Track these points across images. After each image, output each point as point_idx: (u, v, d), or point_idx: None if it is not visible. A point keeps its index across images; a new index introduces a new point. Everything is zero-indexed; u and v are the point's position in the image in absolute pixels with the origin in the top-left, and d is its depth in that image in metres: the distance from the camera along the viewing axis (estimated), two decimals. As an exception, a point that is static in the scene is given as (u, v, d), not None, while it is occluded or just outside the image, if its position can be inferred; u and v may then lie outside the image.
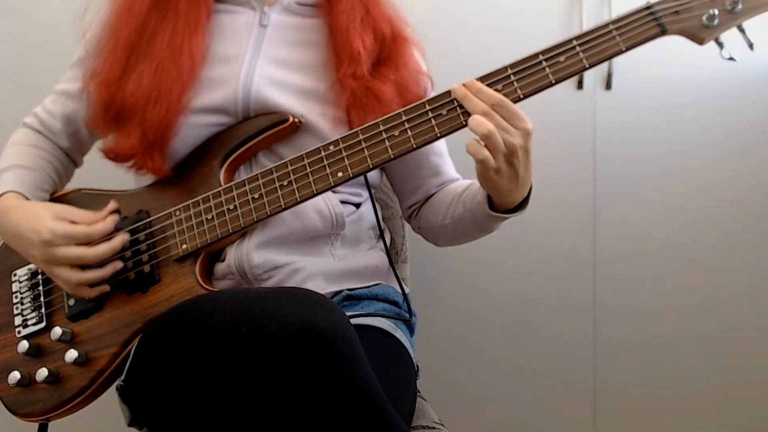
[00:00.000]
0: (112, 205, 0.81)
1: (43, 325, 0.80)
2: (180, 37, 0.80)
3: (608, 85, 1.30)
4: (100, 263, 0.78)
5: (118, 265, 0.78)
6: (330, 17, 0.87)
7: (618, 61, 1.28)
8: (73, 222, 0.78)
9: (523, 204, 0.81)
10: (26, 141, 0.92)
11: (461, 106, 0.74)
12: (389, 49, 0.87)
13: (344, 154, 0.76)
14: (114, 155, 0.82)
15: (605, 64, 1.29)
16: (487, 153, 0.71)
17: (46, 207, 0.80)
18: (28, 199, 0.84)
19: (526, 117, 0.72)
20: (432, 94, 0.90)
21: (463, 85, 0.74)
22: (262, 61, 0.85)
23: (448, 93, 0.75)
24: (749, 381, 1.37)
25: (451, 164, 0.98)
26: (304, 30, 0.89)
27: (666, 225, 1.33)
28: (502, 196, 0.78)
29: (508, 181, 0.74)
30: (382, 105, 0.82)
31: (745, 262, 1.34)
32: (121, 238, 0.78)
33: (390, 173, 0.99)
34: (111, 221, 0.79)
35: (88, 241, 0.77)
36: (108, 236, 0.79)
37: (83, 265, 0.77)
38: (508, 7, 1.28)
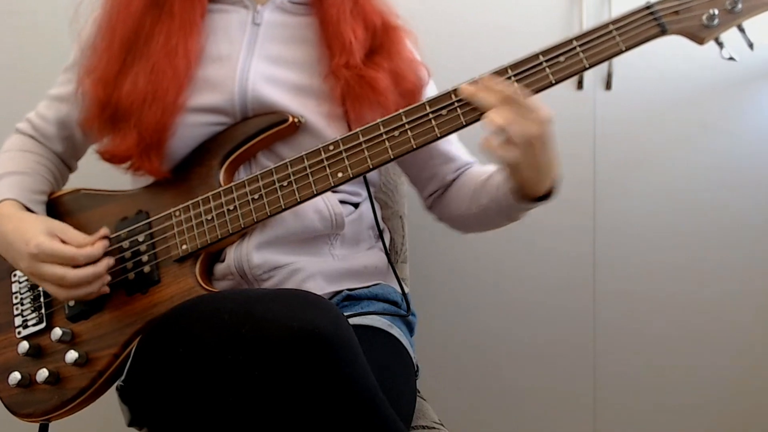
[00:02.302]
0: (103, 231, 0.80)
1: (43, 325, 0.80)
2: (175, 38, 0.80)
3: (608, 85, 1.29)
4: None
5: (106, 289, 0.78)
6: (320, 12, 0.87)
7: (618, 61, 1.28)
8: (63, 241, 0.77)
9: (549, 192, 0.80)
10: (20, 147, 0.91)
11: (462, 107, 0.74)
12: (381, 38, 0.87)
13: (344, 155, 0.76)
14: (110, 156, 0.81)
15: (605, 64, 1.28)
16: (500, 151, 0.71)
17: (41, 221, 0.79)
18: (27, 207, 0.83)
19: (540, 105, 0.72)
20: (431, 84, 0.91)
21: (472, 83, 0.74)
22: (256, 60, 0.84)
23: (449, 94, 0.75)
24: (749, 381, 1.37)
25: (463, 148, 0.97)
26: (297, 27, 0.88)
27: (666, 225, 1.33)
28: (530, 187, 0.77)
29: (529, 172, 0.74)
30: (376, 94, 0.82)
31: (746, 261, 1.34)
32: (106, 263, 0.77)
33: (404, 166, 0.99)
34: (100, 246, 0.77)
35: (73, 263, 0.75)
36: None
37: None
38: (508, 6, 1.28)
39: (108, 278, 0.78)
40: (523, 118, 0.71)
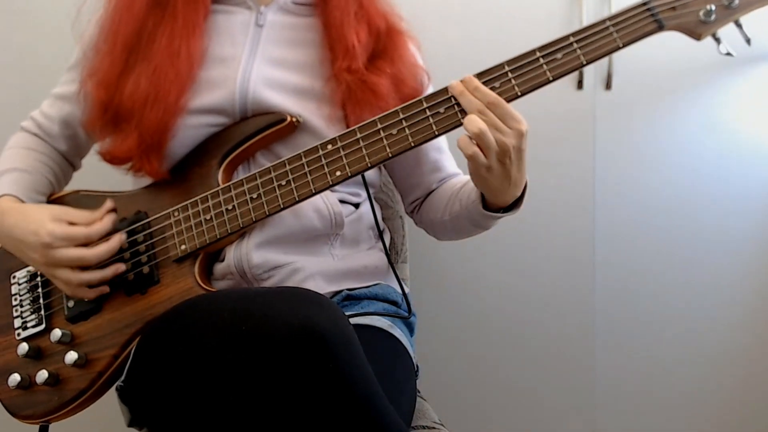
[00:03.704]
0: (108, 204, 0.81)
1: (42, 327, 0.80)
2: (178, 40, 0.80)
3: (608, 85, 1.29)
4: (101, 264, 0.77)
5: (120, 267, 0.78)
6: (324, 14, 0.87)
7: (618, 61, 1.28)
8: (71, 223, 0.78)
9: (516, 203, 0.81)
10: (24, 144, 0.92)
11: (459, 104, 0.74)
12: (384, 42, 0.87)
13: (342, 153, 0.76)
14: (111, 157, 0.81)
15: (605, 64, 1.29)
16: (476, 149, 0.71)
17: (42, 209, 0.80)
18: (23, 202, 0.84)
19: (521, 118, 0.72)
20: (430, 90, 0.91)
21: (461, 81, 0.74)
22: (258, 62, 0.85)
23: (446, 91, 0.75)
24: (750, 380, 1.36)
25: (451, 159, 0.98)
26: (300, 29, 0.89)
27: (666, 224, 1.33)
28: (494, 195, 0.78)
29: (500, 181, 0.74)
30: (378, 98, 0.82)
31: (745, 261, 1.33)
32: (119, 238, 0.78)
33: (391, 170, 0.99)
34: (109, 220, 0.78)
35: (88, 242, 0.76)
36: (106, 236, 0.79)
37: (84, 266, 0.77)
38: (508, 6, 1.28)
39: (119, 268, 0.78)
40: (502, 126, 0.71)
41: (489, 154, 0.71)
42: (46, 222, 0.76)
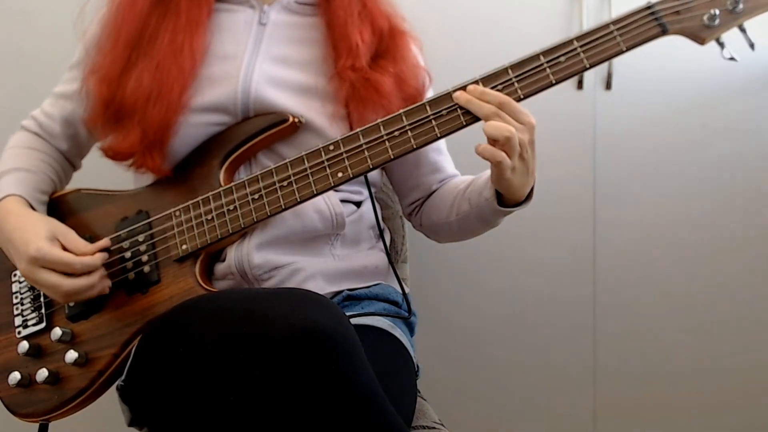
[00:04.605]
0: (104, 242, 0.80)
1: (43, 325, 0.80)
2: (181, 36, 0.80)
3: (608, 85, 1.29)
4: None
5: (106, 289, 0.78)
6: (328, 13, 0.87)
7: (618, 61, 1.28)
8: (64, 247, 0.77)
9: (528, 196, 0.82)
10: (25, 144, 0.91)
11: (461, 107, 0.74)
12: (387, 42, 0.87)
13: (345, 155, 0.76)
14: (113, 153, 0.81)
15: (605, 64, 1.28)
16: (503, 154, 0.72)
17: (44, 222, 0.79)
18: (30, 204, 0.83)
19: (528, 111, 0.73)
20: (430, 91, 0.91)
21: (464, 90, 0.74)
22: (261, 59, 0.84)
23: (448, 94, 0.75)
24: (749, 380, 1.37)
25: (450, 160, 0.98)
26: (303, 28, 0.89)
27: (665, 224, 1.33)
28: (514, 192, 0.78)
29: (521, 176, 0.76)
30: (380, 97, 0.82)
31: (745, 261, 1.33)
32: (103, 284, 0.78)
33: (390, 171, 0.99)
34: (99, 258, 0.77)
35: (69, 271, 0.75)
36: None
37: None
38: (509, 6, 1.28)
39: (107, 282, 0.78)
40: (517, 124, 0.72)
41: (513, 155, 0.72)
42: (40, 237, 0.75)
